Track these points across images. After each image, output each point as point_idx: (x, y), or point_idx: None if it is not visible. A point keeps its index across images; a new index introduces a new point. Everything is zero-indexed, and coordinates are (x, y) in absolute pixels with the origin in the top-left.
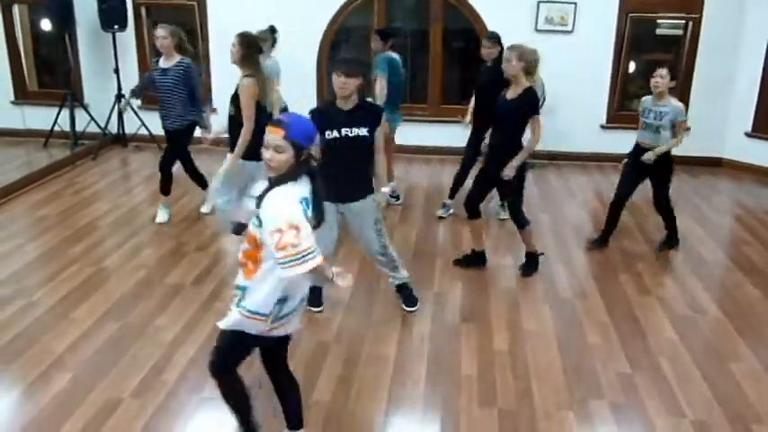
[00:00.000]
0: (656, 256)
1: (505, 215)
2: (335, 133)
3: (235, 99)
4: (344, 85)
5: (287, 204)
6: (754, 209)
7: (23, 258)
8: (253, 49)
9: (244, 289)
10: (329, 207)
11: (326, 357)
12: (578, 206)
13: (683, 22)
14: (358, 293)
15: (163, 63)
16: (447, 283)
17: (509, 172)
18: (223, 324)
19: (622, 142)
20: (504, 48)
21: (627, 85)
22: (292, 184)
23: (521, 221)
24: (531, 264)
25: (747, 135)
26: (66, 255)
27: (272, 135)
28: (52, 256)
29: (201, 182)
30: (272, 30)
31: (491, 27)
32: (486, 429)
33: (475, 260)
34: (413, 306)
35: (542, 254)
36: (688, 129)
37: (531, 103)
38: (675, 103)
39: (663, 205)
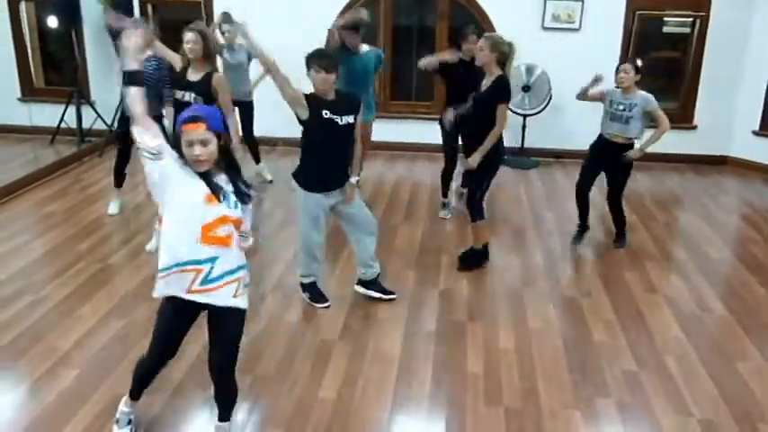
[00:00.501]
0: (664, 254)
1: (446, 213)
2: (331, 115)
3: (206, 92)
4: (326, 80)
5: None
6: (760, 207)
7: (30, 255)
8: (213, 42)
9: (244, 268)
10: (316, 205)
11: (331, 355)
12: None
13: (691, 19)
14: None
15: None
16: (452, 281)
17: (472, 162)
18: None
19: None
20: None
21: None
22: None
23: (474, 213)
24: (471, 258)
25: (755, 133)
26: (72, 251)
27: (195, 131)
28: (58, 253)
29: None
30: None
31: (497, 25)
32: (493, 428)
33: (477, 257)
34: (390, 294)
35: (486, 254)
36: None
37: (499, 90)
38: (643, 93)
39: (617, 203)
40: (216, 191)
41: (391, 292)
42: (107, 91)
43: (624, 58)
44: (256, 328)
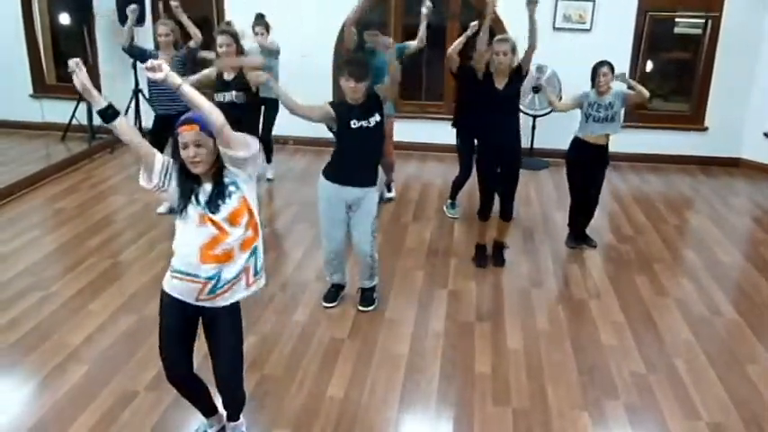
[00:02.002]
0: (674, 256)
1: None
2: (362, 123)
3: (244, 85)
4: (356, 90)
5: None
6: None
7: (41, 250)
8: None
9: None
10: (338, 203)
11: (340, 354)
12: None
13: (703, 20)
14: None
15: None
16: (461, 281)
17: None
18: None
19: (639, 141)
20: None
21: (645, 83)
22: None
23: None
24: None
25: (766, 135)
26: (82, 247)
27: (189, 133)
28: (69, 249)
29: None
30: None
31: (508, 24)
32: (500, 428)
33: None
34: (371, 305)
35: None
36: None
37: (521, 77)
38: (614, 89)
39: (597, 201)
40: (215, 198)
41: (366, 303)
42: (118, 88)
43: (635, 58)
44: (264, 327)
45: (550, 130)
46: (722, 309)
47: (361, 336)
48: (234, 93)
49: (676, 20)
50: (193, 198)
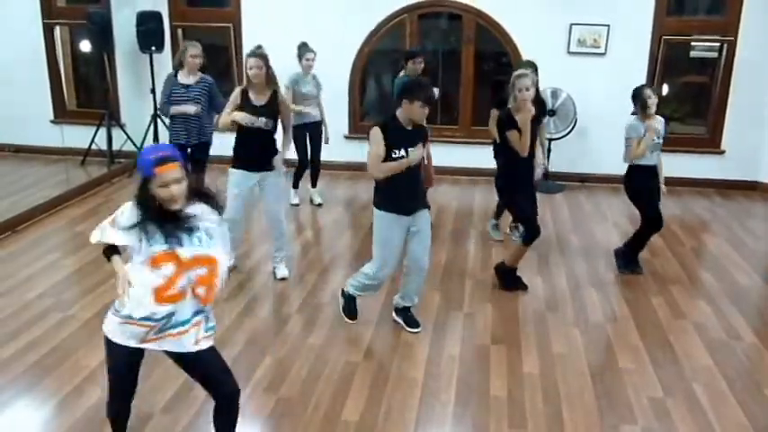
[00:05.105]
0: (691, 280)
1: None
2: (402, 152)
3: (275, 113)
4: (424, 115)
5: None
6: None
7: (60, 273)
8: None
9: (203, 312)
10: (401, 232)
11: (355, 377)
12: (610, 229)
13: (718, 44)
14: (387, 313)
15: (184, 78)
16: (477, 304)
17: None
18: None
19: None
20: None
21: (660, 107)
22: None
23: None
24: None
25: None
26: (101, 270)
27: (170, 172)
28: (88, 272)
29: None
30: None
31: (523, 49)
32: None
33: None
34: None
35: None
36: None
37: (544, 104)
38: (659, 117)
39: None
40: (183, 232)
41: (416, 325)
42: (137, 113)
43: (651, 82)
44: (281, 350)
45: (565, 154)
46: (741, 332)
47: (377, 359)
48: (263, 119)
49: (692, 44)
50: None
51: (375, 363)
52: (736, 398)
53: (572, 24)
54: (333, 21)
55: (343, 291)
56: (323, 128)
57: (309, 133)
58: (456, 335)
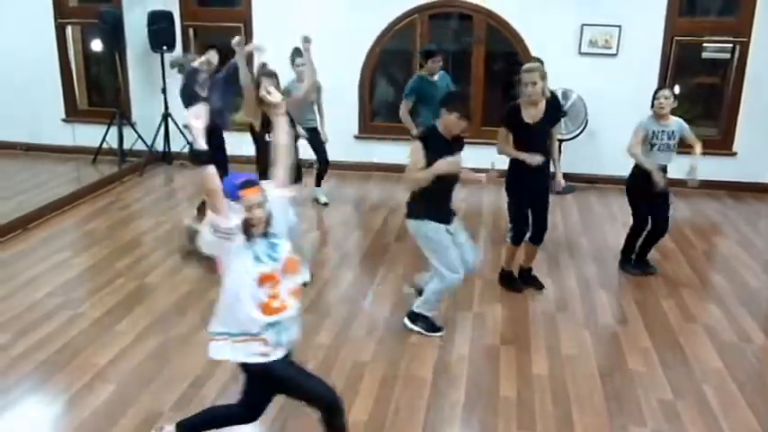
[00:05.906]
0: (702, 282)
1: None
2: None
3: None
4: (463, 128)
5: None
6: None
7: (71, 271)
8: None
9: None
10: (447, 236)
11: (363, 377)
12: (620, 230)
13: (731, 45)
14: (396, 314)
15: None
16: (486, 304)
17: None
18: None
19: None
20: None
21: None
22: None
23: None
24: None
25: None
26: (111, 268)
27: (254, 195)
28: (98, 270)
29: None
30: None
31: (534, 50)
32: None
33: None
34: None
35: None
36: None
37: (559, 107)
38: (676, 118)
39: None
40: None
41: (438, 329)
42: (148, 112)
43: (662, 83)
44: None
45: (576, 155)
46: (752, 335)
47: (385, 359)
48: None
49: (704, 45)
50: None
51: (384, 363)
52: (747, 400)
53: (583, 25)
54: (343, 20)
55: (410, 319)
56: (320, 130)
57: (309, 140)
58: (465, 335)
